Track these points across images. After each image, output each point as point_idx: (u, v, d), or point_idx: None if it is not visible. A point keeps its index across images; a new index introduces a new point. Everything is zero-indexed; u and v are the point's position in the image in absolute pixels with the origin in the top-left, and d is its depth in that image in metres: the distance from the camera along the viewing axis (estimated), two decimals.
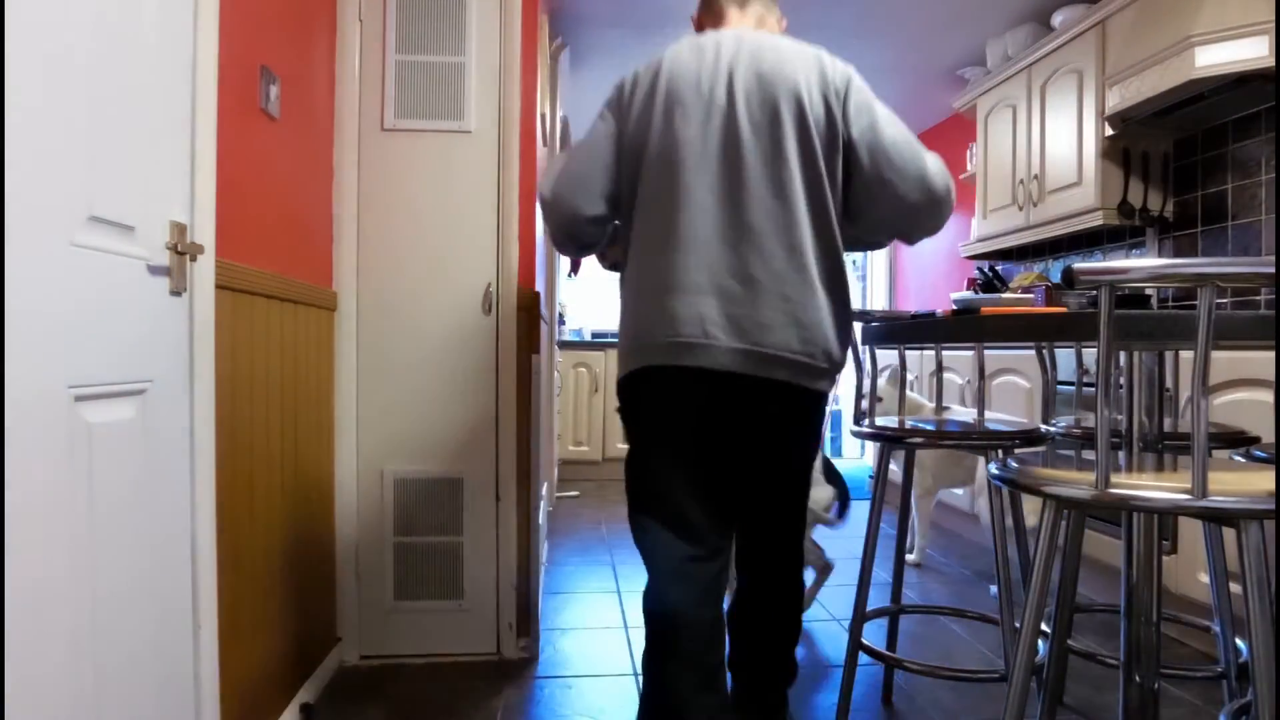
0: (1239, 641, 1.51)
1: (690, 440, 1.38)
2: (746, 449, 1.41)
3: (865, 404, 1.76)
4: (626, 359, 1.41)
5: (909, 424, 1.66)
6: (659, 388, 1.36)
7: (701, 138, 1.35)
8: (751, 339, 1.30)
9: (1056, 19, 3.30)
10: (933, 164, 1.36)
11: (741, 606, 1.54)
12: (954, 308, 1.68)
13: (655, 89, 1.42)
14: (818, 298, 1.33)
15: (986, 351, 3.25)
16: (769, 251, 1.32)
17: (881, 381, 2.97)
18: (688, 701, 1.35)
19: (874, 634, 2.35)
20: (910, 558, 3.07)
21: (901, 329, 1.53)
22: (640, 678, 1.52)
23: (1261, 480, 1.01)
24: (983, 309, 1.44)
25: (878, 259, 5.67)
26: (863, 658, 1.77)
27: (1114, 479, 1.01)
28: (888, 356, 3.99)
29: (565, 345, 5.05)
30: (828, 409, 1.68)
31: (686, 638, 1.36)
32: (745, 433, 1.39)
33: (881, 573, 2.95)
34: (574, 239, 1.51)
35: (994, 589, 2.92)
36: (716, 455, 1.40)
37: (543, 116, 2.80)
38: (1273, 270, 0.90)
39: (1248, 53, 2.42)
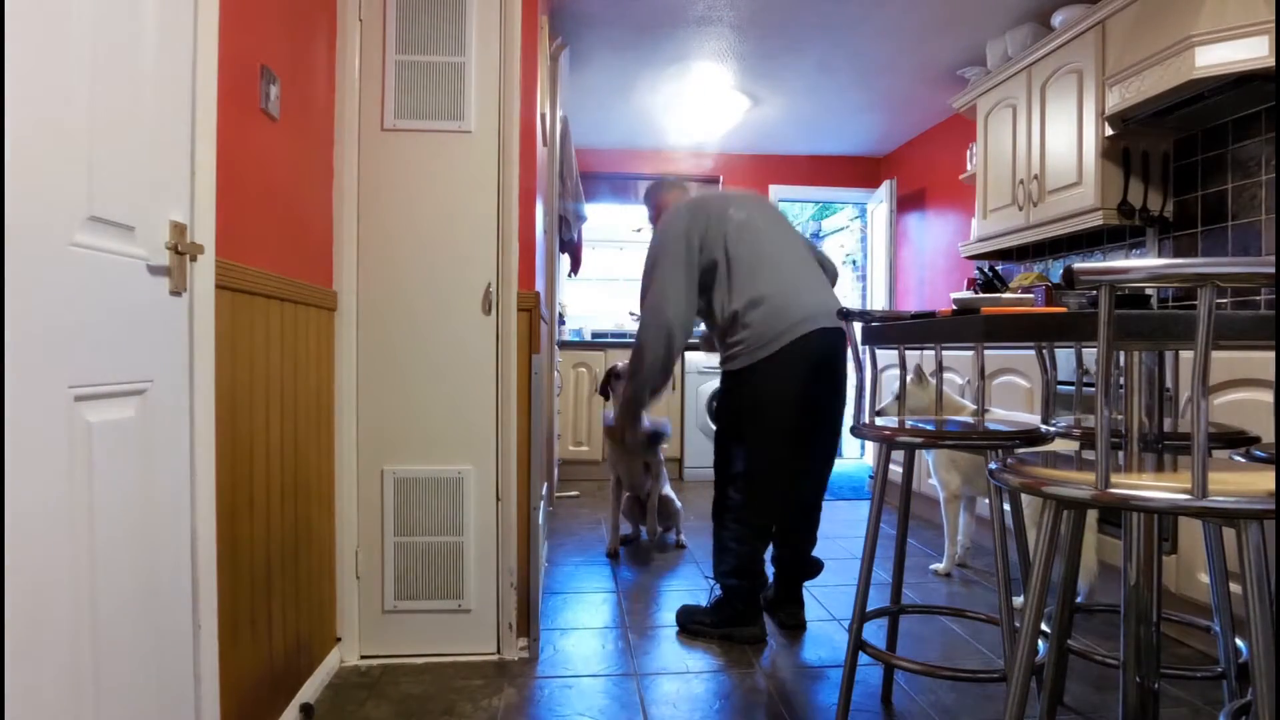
0: (1239, 641, 1.52)
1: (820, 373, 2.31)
2: (840, 374, 2.38)
3: (867, 403, 1.76)
4: (771, 342, 2.24)
5: (909, 424, 1.66)
6: (813, 343, 2.24)
7: (766, 236, 2.37)
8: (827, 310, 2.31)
9: (1056, 19, 3.30)
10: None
11: (780, 533, 2.44)
12: (954, 308, 1.68)
13: (713, 220, 2.35)
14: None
15: (986, 351, 3.25)
16: (817, 274, 2.40)
17: (908, 380, 2.90)
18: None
19: (874, 634, 2.35)
20: (939, 567, 2.97)
21: (901, 329, 1.53)
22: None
23: (1261, 480, 1.01)
24: (983, 309, 1.44)
25: (878, 259, 5.67)
26: (863, 658, 1.77)
27: (1114, 479, 1.01)
28: (887, 356, 3.99)
29: (565, 345, 5.05)
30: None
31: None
32: (841, 360, 2.37)
33: (881, 573, 2.95)
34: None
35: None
36: (828, 383, 2.33)
37: (543, 116, 2.79)
38: (1273, 270, 0.90)
39: (1248, 53, 2.42)
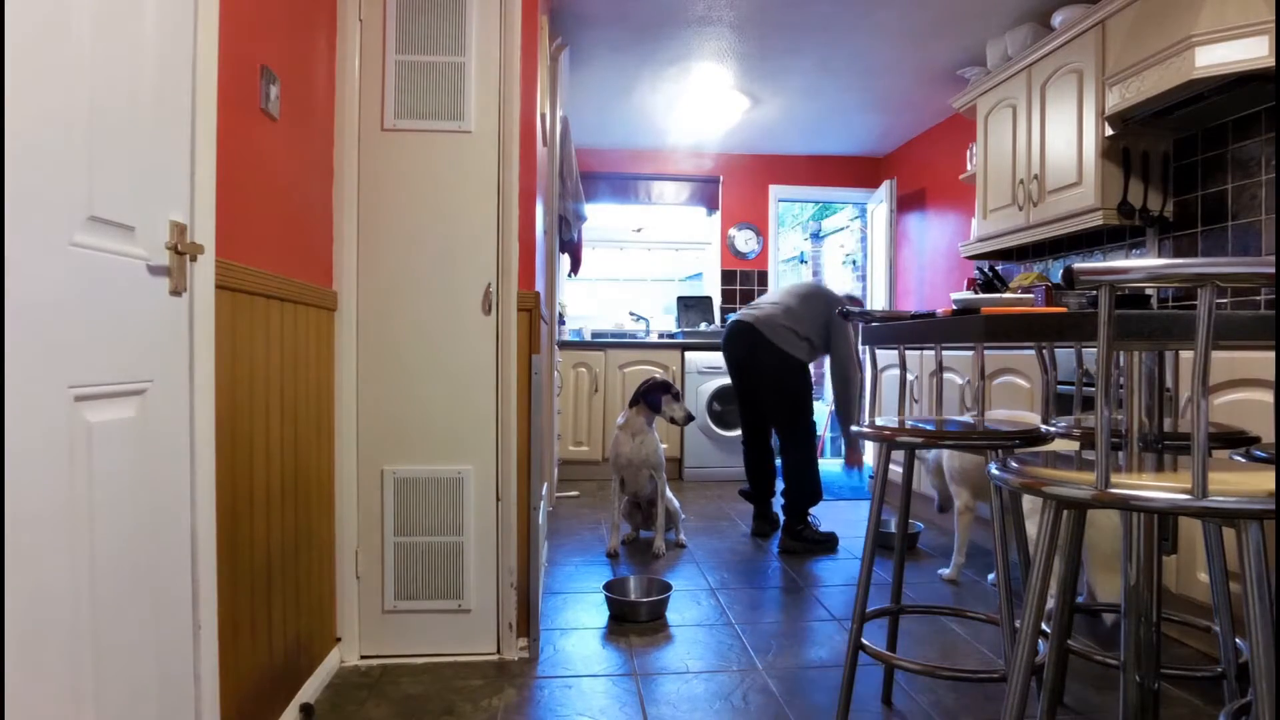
0: (1239, 641, 1.51)
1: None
2: (746, 358, 3.58)
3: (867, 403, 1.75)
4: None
5: (909, 424, 1.66)
6: (729, 328, 3.66)
7: None
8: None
9: (1056, 19, 3.30)
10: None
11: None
12: (954, 308, 1.68)
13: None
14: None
15: (986, 351, 3.25)
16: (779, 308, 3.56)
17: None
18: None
19: (874, 634, 2.35)
20: (946, 573, 2.95)
21: (901, 329, 1.53)
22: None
23: (1261, 480, 1.01)
24: (983, 309, 1.44)
25: (878, 259, 5.67)
26: (863, 658, 1.77)
27: (1114, 479, 1.01)
28: (887, 356, 3.99)
29: (565, 345, 5.05)
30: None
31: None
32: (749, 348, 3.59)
33: (882, 573, 2.95)
34: None
35: (991, 576, 2.92)
36: (736, 363, 3.62)
37: (543, 116, 2.80)
38: (1273, 270, 0.90)
39: (1248, 53, 2.42)
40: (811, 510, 3.48)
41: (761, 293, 5.80)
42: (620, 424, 3.34)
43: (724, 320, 5.68)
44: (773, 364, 3.37)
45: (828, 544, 3.39)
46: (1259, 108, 2.75)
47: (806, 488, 3.40)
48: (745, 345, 3.42)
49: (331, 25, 2.04)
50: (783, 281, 3.91)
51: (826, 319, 3.41)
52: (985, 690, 1.97)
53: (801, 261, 7.88)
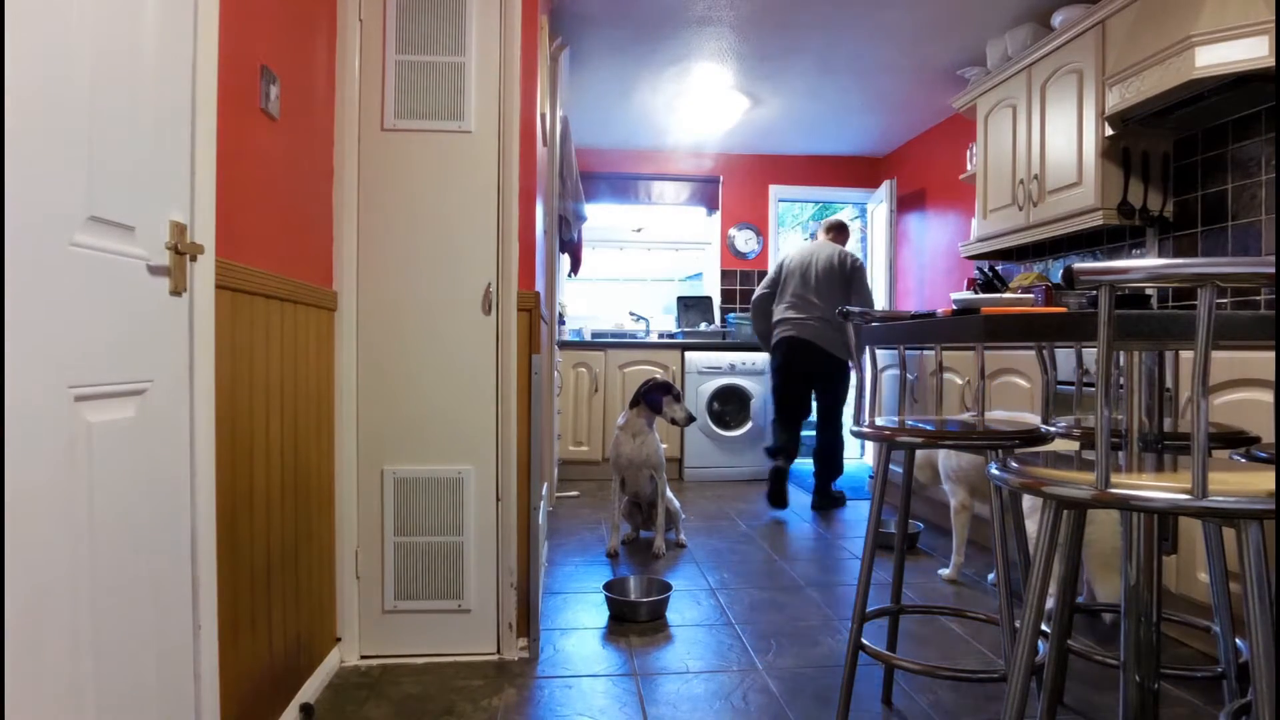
0: (1239, 641, 1.51)
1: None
2: (804, 363, 4.26)
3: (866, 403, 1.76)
4: (772, 337, 4.37)
5: (909, 423, 1.66)
6: (783, 345, 4.29)
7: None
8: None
9: (1056, 19, 3.30)
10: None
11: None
12: (954, 308, 1.68)
13: (790, 259, 4.44)
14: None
15: (986, 351, 3.25)
16: (814, 306, 4.28)
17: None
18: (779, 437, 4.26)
19: (874, 634, 2.35)
20: (945, 573, 2.95)
21: (901, 329, 1.53)
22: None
23: (1261, 480, 1.01)
24: (983, 309, 1.44)
25: (878, 259, 5.67)
26: (863, 658, 1.77)
27: (1114, 479, 1.01)
28: (887, 356, 3.99)
29: (565, 345, 5.05)
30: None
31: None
32: (805, 355, 4.27)
33: (882, 573, 2.95)
34: None
35: (991, 576, 2.92)
36: (796, 369, 4.25)
37: (543, 116, 2.80)
38: (1273, 270, 0.90)
39: (1248, 53, 2.42)
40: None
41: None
42: (621, 424, 3.34)
43: (724, 320, 5.68)
44: (831, 368, 4.13)
45: (840, 501, 4.37)
46: (1259, 108, 2.75)
47: (838, 464, 4.28)
48: (813, 357, 4.10)
49: (331, 25, 2.04)
50: (795, 257, 4.30)
51: (845, 291, 4.13)
52: (985, 690, 1.97)
53: None
